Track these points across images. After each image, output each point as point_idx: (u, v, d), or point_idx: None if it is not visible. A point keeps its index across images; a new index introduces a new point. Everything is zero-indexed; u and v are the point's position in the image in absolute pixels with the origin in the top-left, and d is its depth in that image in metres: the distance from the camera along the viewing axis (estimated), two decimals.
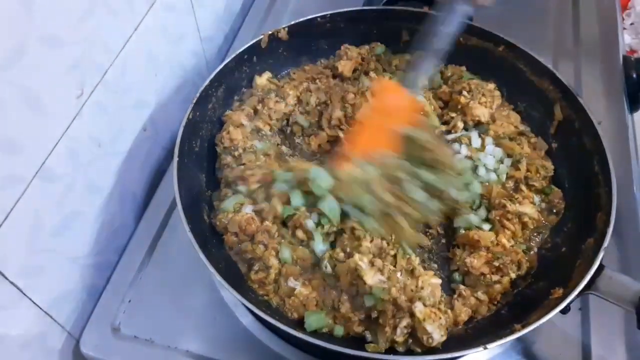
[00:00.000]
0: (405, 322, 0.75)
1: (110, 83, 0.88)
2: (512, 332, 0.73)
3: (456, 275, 0.88)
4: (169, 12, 1.02)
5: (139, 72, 0.96)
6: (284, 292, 0.82)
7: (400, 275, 0.80)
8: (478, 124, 1.03)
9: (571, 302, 0.74)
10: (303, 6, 1.37)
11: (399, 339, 0.75)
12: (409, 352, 0.76)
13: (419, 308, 0.75)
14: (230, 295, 0.90)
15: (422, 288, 0.78)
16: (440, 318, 0.75)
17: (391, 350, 0.77)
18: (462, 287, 0.85)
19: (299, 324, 0.79)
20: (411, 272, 0.80)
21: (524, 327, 0.73)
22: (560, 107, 1.00)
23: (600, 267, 0.77)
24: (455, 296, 0.84)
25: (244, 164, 0.94)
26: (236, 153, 0.96)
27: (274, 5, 1.39)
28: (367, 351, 0.75)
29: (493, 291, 0.85)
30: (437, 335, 0.74)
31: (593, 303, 0.88)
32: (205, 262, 0.76)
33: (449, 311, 0.81)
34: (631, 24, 2.31)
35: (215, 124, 1.02)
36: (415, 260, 0.83)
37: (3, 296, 0.74)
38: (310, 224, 0.85)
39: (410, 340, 0.76)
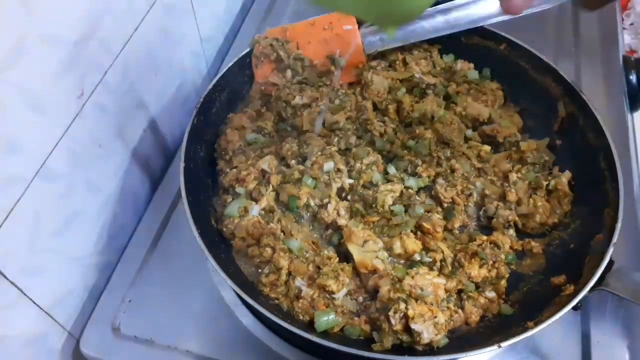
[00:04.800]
0: (396, 312, 0.75)
1: (111, 83, 0.88)
2: (525, 329, 0.73)
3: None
4: (169, 12, 1.02)
5: (139, 72, 0.96)
6: (293, 294, 0.82)
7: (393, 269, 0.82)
8: (476, 123, 1.04)
9: (582, 298, 0.75)
10: (303, 7, 1.37)
11: (397, 327, 0.75)
12: (421, 352, 0.76)
13: (411, 305, 0.75)
14: (230, 295, 0.91)
15: (421, 287, 0.78)
16: (435, 317, 0.75)
17: (401, 350, 0.76)
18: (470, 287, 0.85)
19: (310, 326, 0.79)
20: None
21: (536, 324, 0.73)
22: (564, 104, 1.00)
23: (610, 263, 0.78)
24: (464, 297, 0.84)
25: (235, 167, 0.94)
26: (227, 157, 0.96)
27: (274, 6, 1.39)
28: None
29: (500, 287, 0.85)
30: (427, 334, 0.74)
31: (592, 298, 0.87)
32: (218, 269, 0.76)
33: (459, 311, 0.81)
34: (631, 24, 2.31)
35: (220, 128, 1.02)
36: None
37: (3, 296, 0.74)
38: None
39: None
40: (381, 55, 1.10)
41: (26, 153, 0.72)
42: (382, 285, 0.79)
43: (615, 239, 0.79)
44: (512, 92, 1.09)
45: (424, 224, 0.87)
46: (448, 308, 0.80)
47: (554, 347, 0.85)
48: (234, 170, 0.93)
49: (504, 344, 0.71)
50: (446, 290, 0.81)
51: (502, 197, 0.94)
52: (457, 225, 0.91)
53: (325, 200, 0.88)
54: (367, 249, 0.83)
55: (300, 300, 0.80)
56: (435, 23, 1.04)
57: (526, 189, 0.94)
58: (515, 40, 1.05)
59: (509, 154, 0.99)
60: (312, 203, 0.88)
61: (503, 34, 1.06)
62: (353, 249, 0.84)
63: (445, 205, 0.92)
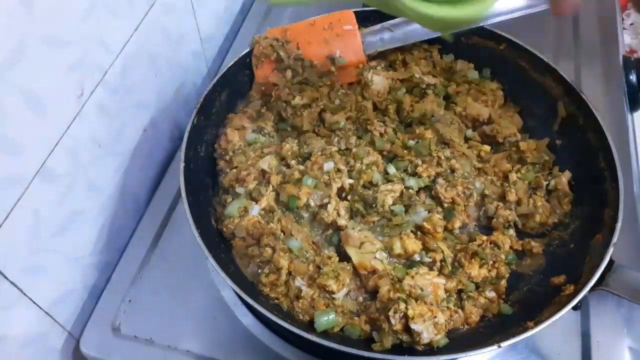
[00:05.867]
0: (396, 312, 0.75)
1: (111, 83, 0.88)
2: (525, 329, 0.73)
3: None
4: (169, 12, 1.02)
5: (139, 73, 0.96)
6: (293, 294, 0.82)
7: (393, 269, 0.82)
8: (476, 123, 1.04)
9: (582, 298, 0.75)
10: (303, 6, 1.37)
11: (397, 327, 0.75)
12: (421, 352, 0.76)
13: (411, 305, 0.75)
14: (230, 295, 0.91)
15: (421, 287, 0.78)
16: (435, 317, 0.75)
17: (401, 350, 0.76)
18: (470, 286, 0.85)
19: (310, 326, 0.79)
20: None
21: (536, 324, 0.73)
22: (564, 104, 1.00)
23: (610, 263, 0.78)
24: (464, 297, 0.84)
25: (235, 167, 0.94)
26: (227, 157, 0.96)
27: None
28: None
29: (500, 287, 0.85)
30: (427, 334, 0.74)
31: (592, 298, 0.88)
32: (217, 269, 0.76)
33: (459, 311, 0.81)
34: (631, 24, 2.31)
35: (220, 128, 1.02)
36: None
37: (3, 296, 0.74)
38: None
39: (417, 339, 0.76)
40: (381, 55, 1.10)
41: (26, 153, 0.72)
42: (382, 285, 0.79)
43: (615, 239, 0.79)
44: (512, 92, 1.09)
45: (424, 224, 0.87)
46: (448, 308, 0.80)
47: (554, 347, 0.85)
48: (234, 170, 0.94)
49: (504, 344, 0.71)
50: (446, 290, 0.81)
51: (502, 197, 0.94)
52: (457, 225, 0.91)
53: (325, 200, 0.88)
54: (365, 250, 0.83)
55: (300, 300, 0.80)
56: None
57: (526, 189, 0.94)
58: (515, 40, 1.05)
59: (509, 154, 0.99)
60: (312, 203, 0.88)
61: (503, 34, 1.06)
62: (351, 251, 0.84)
63: (446, 205, 0.92)
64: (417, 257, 0.85)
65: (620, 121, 1.12)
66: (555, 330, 0.84)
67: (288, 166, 0.93)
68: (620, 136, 1.07)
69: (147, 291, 0.93)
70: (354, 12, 1.07)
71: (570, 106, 0.99)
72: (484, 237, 0.89)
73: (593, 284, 0.76)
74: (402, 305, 0.75)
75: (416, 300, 0.77)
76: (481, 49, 1.09)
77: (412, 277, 0.79)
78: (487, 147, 1.00)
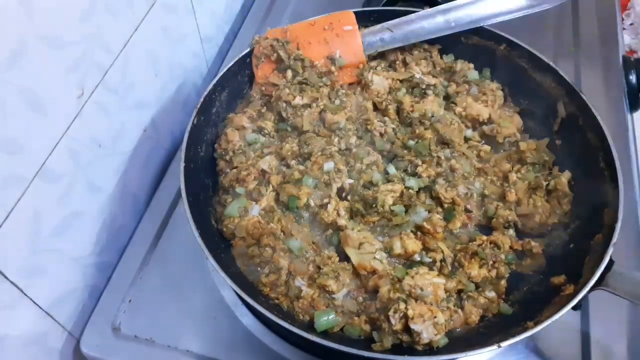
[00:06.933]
0: (396, 312, 0.75)
1: (111, 83, 0.88)
2: (525, 329, 0.73)
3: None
4: (169, 12, 1.02)
5: (139, 73, 0.96)
6: (293, 294, 0.82)
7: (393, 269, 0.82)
8: (476, 123, 1.04)
9: (582, 298, 0.75)
10: (303, 6, 1.37)
11: (397, 327, 0.75)
12: (421, 352, 0.76)
13: (411, 305, 0.75)
14: (230, 295, 0.91)
15: (421, 287, 0.78)
16: (435, 317, 0.75)
17: (401, 350, 0.76)
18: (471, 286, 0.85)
19: (310, 326, 0.79)
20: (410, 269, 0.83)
21: (536, 324, 0.73)
22: (564, 104, 1.00)
23: (610, 263, 0.78)
24: (464, 297, 0.84)
25: (235, 167, 0.94)
26: (227, 157, 0.96)
27: (274, 5, 1.39)
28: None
29: (500, 287, 0.85)
30: (427, 334, 0.74)
31: (592, 298, 0.87)
32: (218, 269, 0.76)
33: (459, 311, 0.81)
34: (631, 24, 2.32)
35: (219, 128, 1.02)
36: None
37: (4, 296, 0.74)
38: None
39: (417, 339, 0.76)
40: (381, 55, 1.10)
41: (26, 153, 0.72)
42: (382, 286, 0.79)
43: (615, 239, 0.79)
44: (512, 92, 1.09)
45: (424, 224, 0.87)
46: (448, 308, 0.80)
47: (554, 347, 0.85)
48: (234, 170, 0.94)
49: (504, 344, 0.71)
50: (446, 290, 0.81)
51: (502, 197, 0.94)
52: (457, 225, 0.91)
53: (325, 200, 0.88)
54: (364, 251, 0.83)
55: (300, 300, 0.80)
56: (435, 23, 1.04)
57: (526, 189, 0.94)
58: (515, 40, 1.05)
59: (509, 154, 0.99)
60: (312, 203, 0.88)
61: (503, 34, 1.06)
62: (350, 252, 0.84)
63: (446, 205, 0.92)
64: (417, 257, 0.85)
65: (620, 121, 1.12)
66: (555, 330, 0.84)
67: (288, 166, 0.93)
68: (620, 136, 1.08)
69: (147, 291, 0.93)
70: (354, 12, 1.07)
71: (570, 106, 0.99)
72: (484, 237, 0.89)
73: (593, 284, 0.76)
74: (402, 305, 0.75)
75: (416, 300, 0.77)
76: (481, 49, 1.09)
77: (412, 277, 0.79)
78: (487, 147, 1.00)
